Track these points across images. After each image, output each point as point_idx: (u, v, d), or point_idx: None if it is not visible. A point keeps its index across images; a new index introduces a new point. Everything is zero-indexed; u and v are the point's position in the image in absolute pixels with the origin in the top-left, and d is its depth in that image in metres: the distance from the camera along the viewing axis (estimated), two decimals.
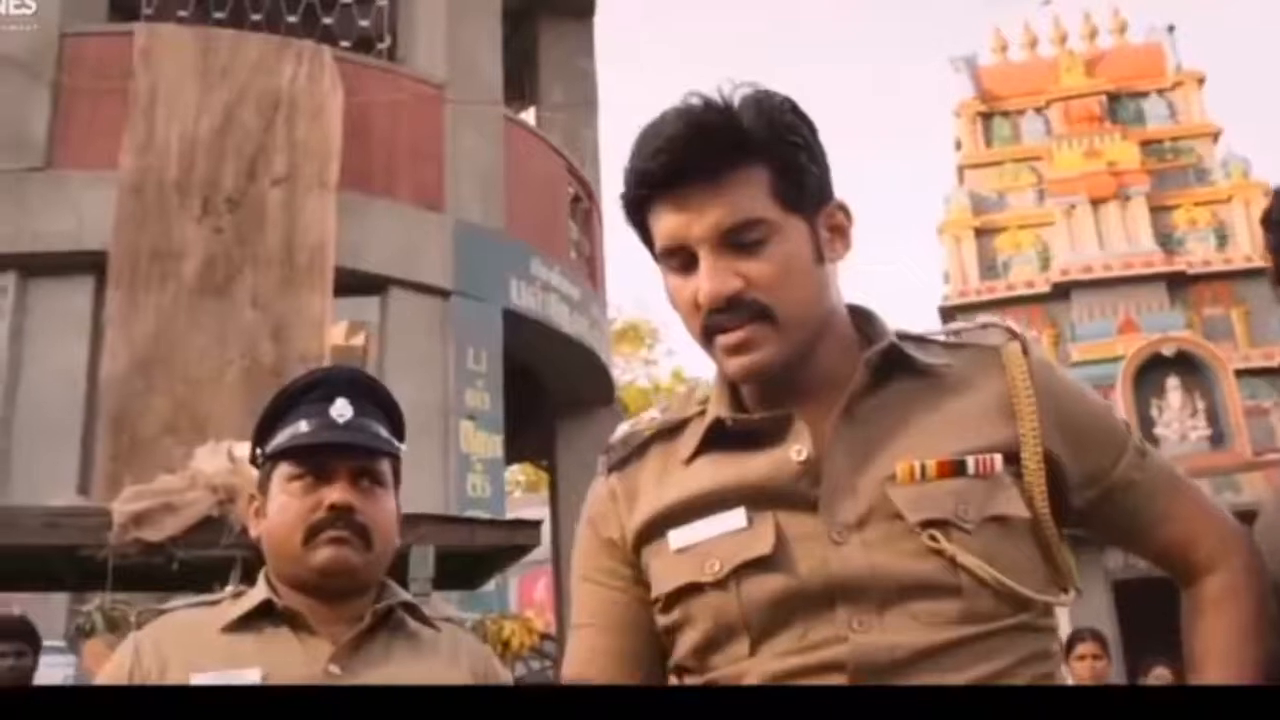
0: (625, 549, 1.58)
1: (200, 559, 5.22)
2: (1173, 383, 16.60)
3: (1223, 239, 18.97)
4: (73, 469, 7.89)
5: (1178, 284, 18.42)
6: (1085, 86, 20.20)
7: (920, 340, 1.58)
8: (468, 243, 9.51)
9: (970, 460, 1.44)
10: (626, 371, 29.80)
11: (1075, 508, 1.53)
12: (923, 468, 1.43)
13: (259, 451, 1.97)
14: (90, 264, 8.15)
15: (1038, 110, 20.49)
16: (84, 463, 7.90)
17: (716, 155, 1.45)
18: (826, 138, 1.57)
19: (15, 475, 7.91)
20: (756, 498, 1.48)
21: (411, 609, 1.98)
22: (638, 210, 1.52)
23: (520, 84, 12.60)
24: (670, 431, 1.60)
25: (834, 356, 1.51)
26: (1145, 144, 19.55)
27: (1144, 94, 20.29)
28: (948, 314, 18.84)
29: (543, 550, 8.36)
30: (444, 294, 9.24)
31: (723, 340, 1.46)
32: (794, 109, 1.52)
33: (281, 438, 1.91)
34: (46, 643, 5.18)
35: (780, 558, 1.45)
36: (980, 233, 19.70)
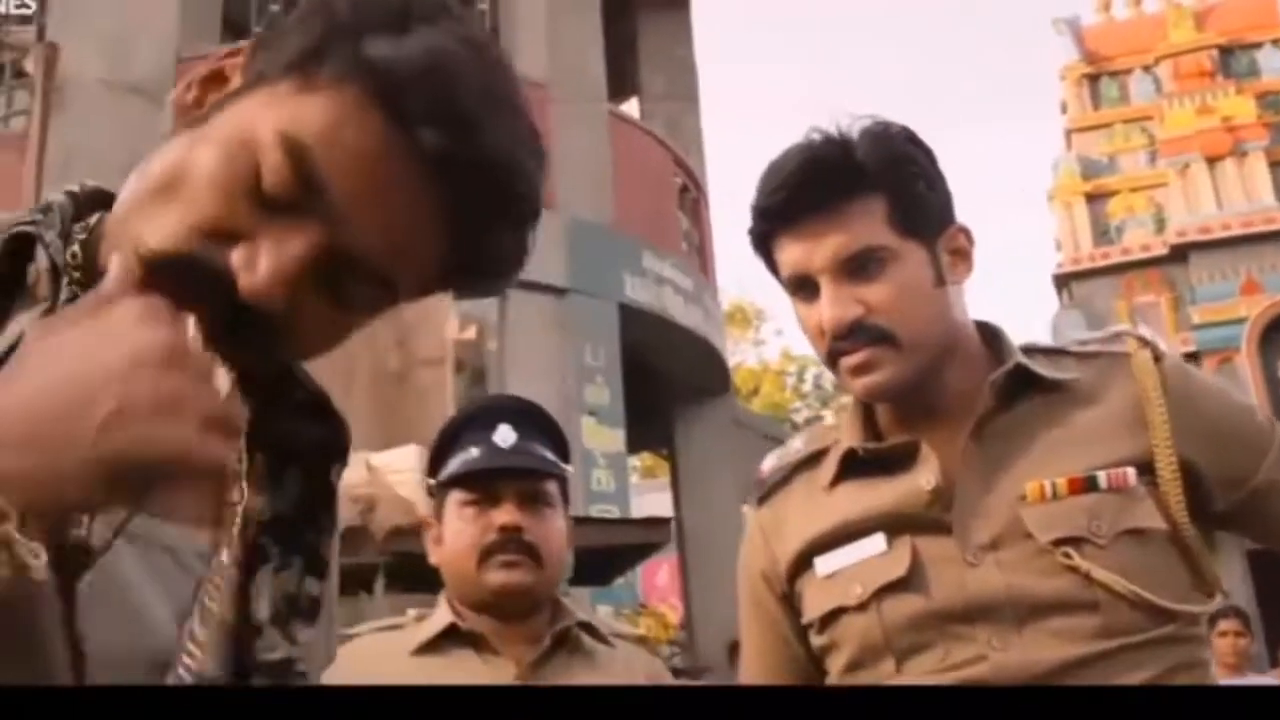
0: (779, 579, 1.64)
1: (345, 568, 5.36)
2: None
3: None
4: None
5: None
6: (1195, 41, 19.69)
7: (1051, 353, 1.60)
8: (581, 240, 9.60)
9: (1101, 475, 1.46)
10: (735, 353, 29.88)
11: (1218, 512, 1.53)
12: (1053, 486, 1.45)
13: (431, 481, 2.05)
14: None
15: (1146, 69, 20.03)
16: None
17: (832, 187, 1.50)
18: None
19: None
20: (892, 524, 1.52)
21: (587, 627, 2.04)
22: (763, 244, 1.58)
23: (621, 76, 12.66)
24: (812, 459, 1.65)
25: (963, 377, 1.54)
26: (1261, 97, 19.00)
27: (1257, 45, 19.71)
28: (1061, 282, 18.57)
29: None
30: (560, 292, 9.34)
31: (846, 363, 1.51)
32: (911, 138, 1.57)
33: (451, 466, 1.98)
34: None
35: (917, 580, 1.49)
36: (1091, 198, 19.35)
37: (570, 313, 9.23)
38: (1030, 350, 1.60)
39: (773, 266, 1.60)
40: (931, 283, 1.53)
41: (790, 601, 1.65)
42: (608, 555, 6.34)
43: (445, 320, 8.50)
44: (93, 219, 0.87)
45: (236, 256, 0.77)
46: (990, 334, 1.61)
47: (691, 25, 12.67)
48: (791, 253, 1.55)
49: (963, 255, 1.58)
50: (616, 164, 9.87)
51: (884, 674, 1.52)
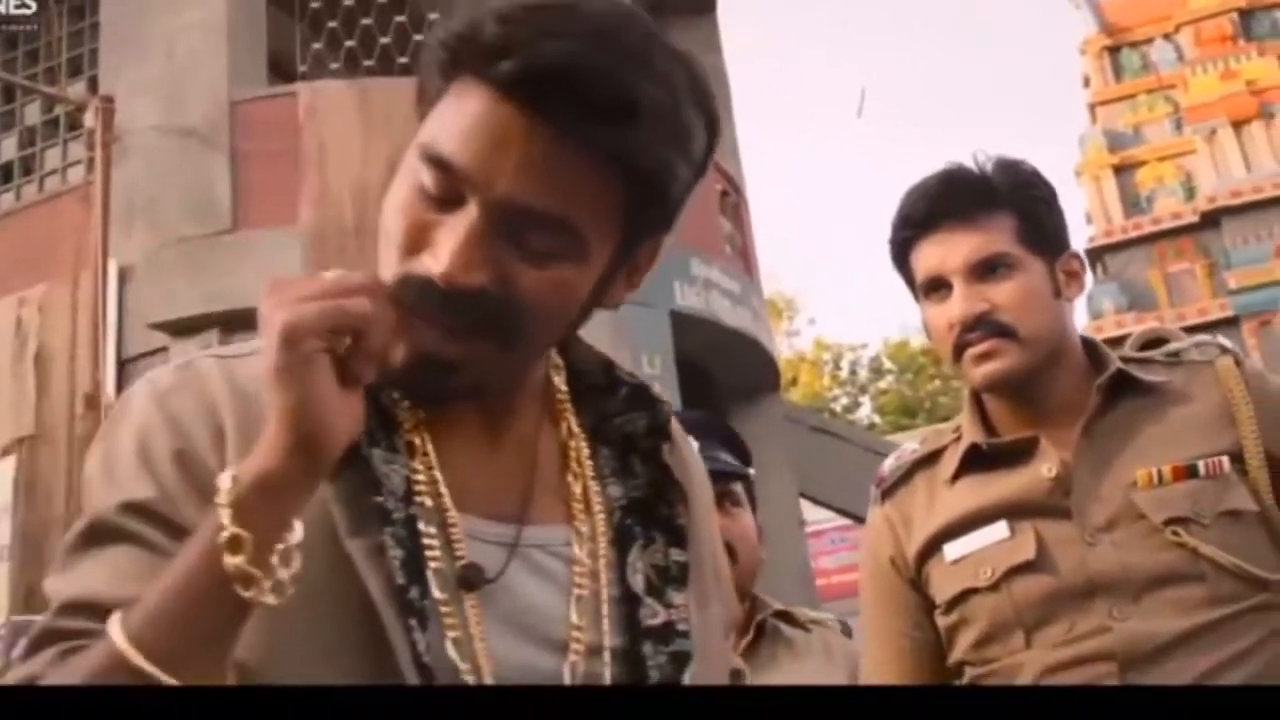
0: (906, 565, 1.83)
1: None
2: None
3: None
4: None
5: None
6: (1215, 5, 19.67)
7: (1142, 361, 1.81)
8: None
9: (1201, 464, 1.67)
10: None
11: None
12: (1159, 473, 1.67)
13: None
14: None
15: (1166, 37, 20.03)
16: None
17: (968, 201, 1.74)
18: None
19: None
20: (1015, 511, 1.72)
21: (784, 616, 2.24)
22: (902, 251, 1.81)
23: None
24: (930, 458, 1.86)
25: (1069, 381, 1.76)
26: None
27: (1278, 6, 19.68)
28: (1094, 256, 18.58)
29: None
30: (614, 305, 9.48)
31: (970, 353, 1.73)
32: (1036, 172, 1.80)
33: None
34: None
35: (1043, 561, 1.69)
36: (1119, 170, 19.38)
37: (626, 324, 9.38)
38: (1126, 359, 1.80)
39: (907, 274, 1.81)
40: (1050, 293, 1.76)
41: (917, 586, 1.83)
42: None
43: None
44: None
45: (425, 257, 0.89)
46: (1089, 345, 1.82)
47: (719, 32, 12.81)
48: (929, 257, 1.77)
49: (1075, 277, 1.81)
50: None
51: (1014, 647, 1.70)
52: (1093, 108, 20.11)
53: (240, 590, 0.77)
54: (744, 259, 11.29)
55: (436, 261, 0.88)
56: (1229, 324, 17.60)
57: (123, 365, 8.87)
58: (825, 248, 62.55)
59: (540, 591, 0.97)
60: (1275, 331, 16.76)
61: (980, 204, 1.75)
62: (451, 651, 0.90)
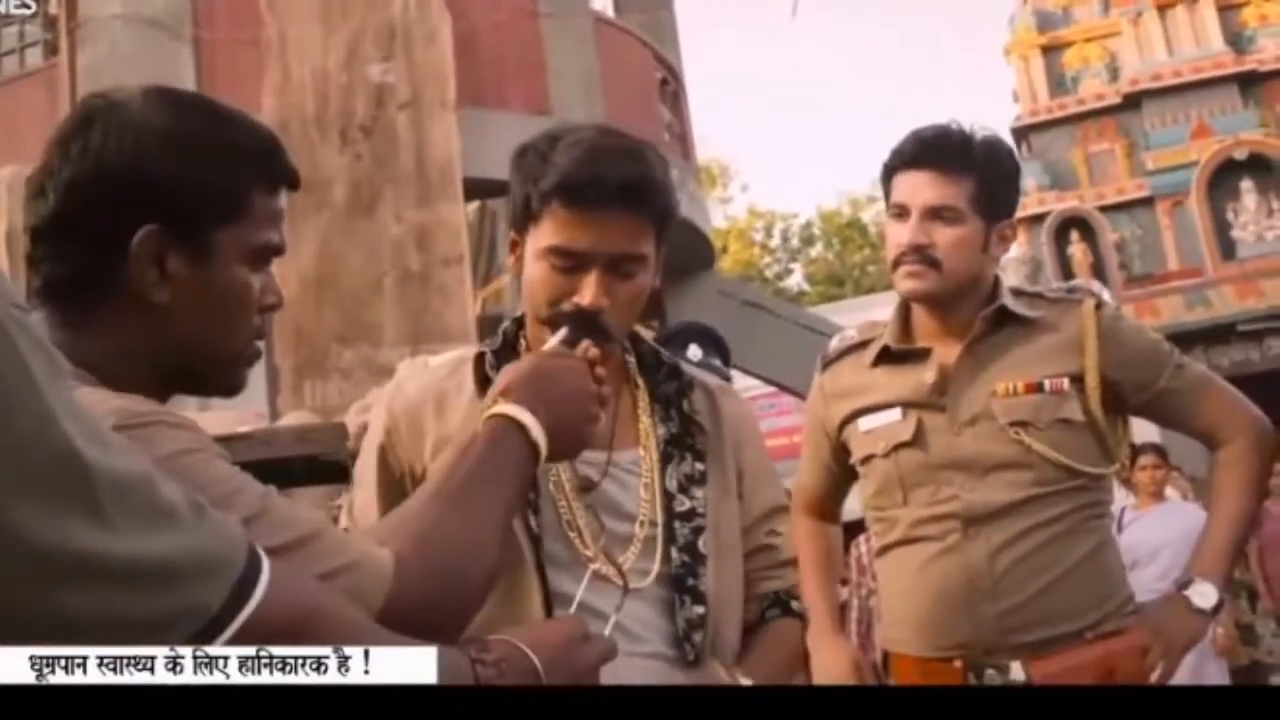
0: (832, 426, 2.40)
1: None
2: (1247, 185, 16.72)
3: None
4: (261, 382, 8.94)
5: (1250, 83, 18.16)
6: None
7: (1031, 296, 2.30)
8: None
9: (1047, 382, 2.20)
10: None
11: (1133, 406, 2.28)
12: (1014, 387, 2.20)
13: None
14: None
15: None
16: (270, 376, 8.94)
17: (946, 156, 2.22)
18: None
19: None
20: (907, 402, 2.27)
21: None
22: (888, 174, 2.26)
23: None
24: (861, 345, 2.40)
25: (971, 310, 2.23)
26: None
27: None
28: (1020, 134, 18.77)
29: None
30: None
31: (902, 269, 2.23)
32: (1010, 153, 2.31)
33: None
34: None
35: (919, 441, 2.24)
36: (1047, 50, 19.51)
37: None
38: (1017, 292, 2.28)
39: (886, 191, 2.26)
40: (979, 247, 2.20)
41: (834, 441, 2.38)
42: None
43: (460, 224, 9.20)
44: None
45: (576, 298, 1.52)
46: (997, 284, 2.27)
47: None
48: (902, 187, 2.25)
49: (1005, 240, 2.26)
50: (603, 66, 10.46)
51: (896, 501, 2.23)
52: None
53: None
54: (682, 144, 11.78)
55: (585, 298, 1.52)
56: (1145, 204, 18.01)
57: None
58: (760, 115, 62.18)
59: (619, 490, 1.62)
60: (1187, 211, 17.19)
61: (954, 162, 2.18)
62: (564, 526, 1.54)
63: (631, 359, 1.70)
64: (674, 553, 1.61)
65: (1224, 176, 16.89)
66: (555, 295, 1.55)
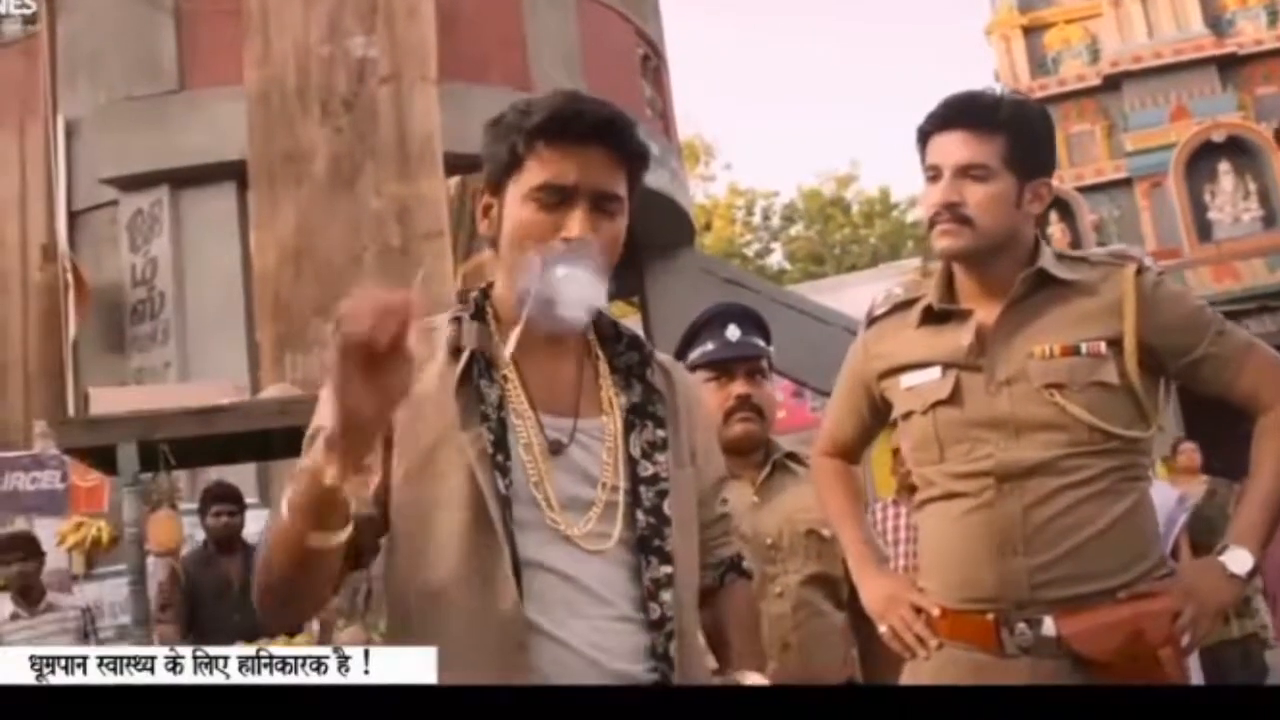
0: (872, 378, 2.42)
1: None
2: (1224, 167, 16.82)
3: (1274, 16, 18.61)
4: (241, 355, 8.97)
5: (1229, 66, 18.33)
6: None
7: (1072, 259, 2.30)
8: None
9: (1084, 345, 2.17)
10: None
11: (1173, 372, 2.24)
12: (1051, 349, 2.18)
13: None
14: (231, 172, 9.00)
15: None
16: (250, 349, 8.97)
17: (976, 117, 2.22)
18: None
19: (193, 366, 9.04)
20: (947, 361, 2.29)
21: (792, 456, 2.84)
22: (923, 139, 2.29)
23: None
24: (907, 304, 2.38)
25: (1010, 270, 2.24)
26: None
27: None
28: None
29: None
30: None
31: (937, 227, 2.26)
32: (1043, 113, 2.34)
33: (694, 355, 2.79)
34: (250, 500, 6.51)
35: (956, 400, 2.26)
36: (1028, 31, 19.60)
37: None
38: (1061, 256, 2.28)
39: (922, 155, 2.28)
40: (1013, 203, 2.22)
41: (873, 393, 2.42)
42: None
43: (441, 199, 9.21)
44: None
45: (564, 232, 1.58)
46: (1038, 242, 2.28)
47: None
48: (935, 150, 2.25)
49: (1040, 198, 2.27)
50: (584, 42, 10.48)
51: (933, 458, 2.26)
52: None
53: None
54: (664, 120, 11.80)
55: (570, 231, 1.59)
56: (1123, 185, 18.12)
57: (72, 217, 9.24)
58: (744, 93, 62.05)
59: (584, 455, 1.65)
60: (1164, 193, 17.29)
61: (984, 122, 2.21)
62: (533, 489, 1.59)
63: (590, 332, 1.75)
64: (639, 515, 1.64)
65: (1202, 159, 16.99)
66: (543, 232, 1.61)
